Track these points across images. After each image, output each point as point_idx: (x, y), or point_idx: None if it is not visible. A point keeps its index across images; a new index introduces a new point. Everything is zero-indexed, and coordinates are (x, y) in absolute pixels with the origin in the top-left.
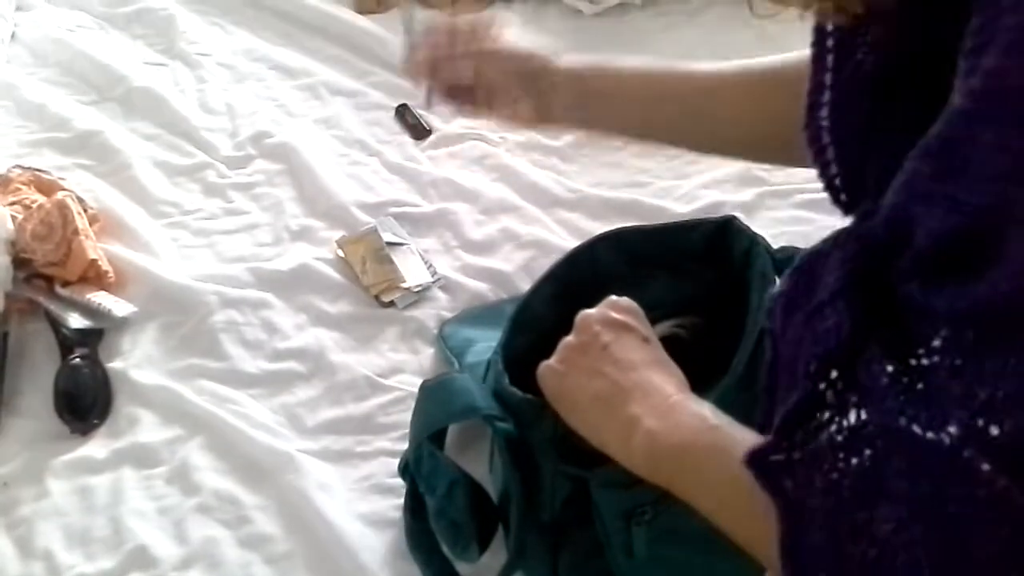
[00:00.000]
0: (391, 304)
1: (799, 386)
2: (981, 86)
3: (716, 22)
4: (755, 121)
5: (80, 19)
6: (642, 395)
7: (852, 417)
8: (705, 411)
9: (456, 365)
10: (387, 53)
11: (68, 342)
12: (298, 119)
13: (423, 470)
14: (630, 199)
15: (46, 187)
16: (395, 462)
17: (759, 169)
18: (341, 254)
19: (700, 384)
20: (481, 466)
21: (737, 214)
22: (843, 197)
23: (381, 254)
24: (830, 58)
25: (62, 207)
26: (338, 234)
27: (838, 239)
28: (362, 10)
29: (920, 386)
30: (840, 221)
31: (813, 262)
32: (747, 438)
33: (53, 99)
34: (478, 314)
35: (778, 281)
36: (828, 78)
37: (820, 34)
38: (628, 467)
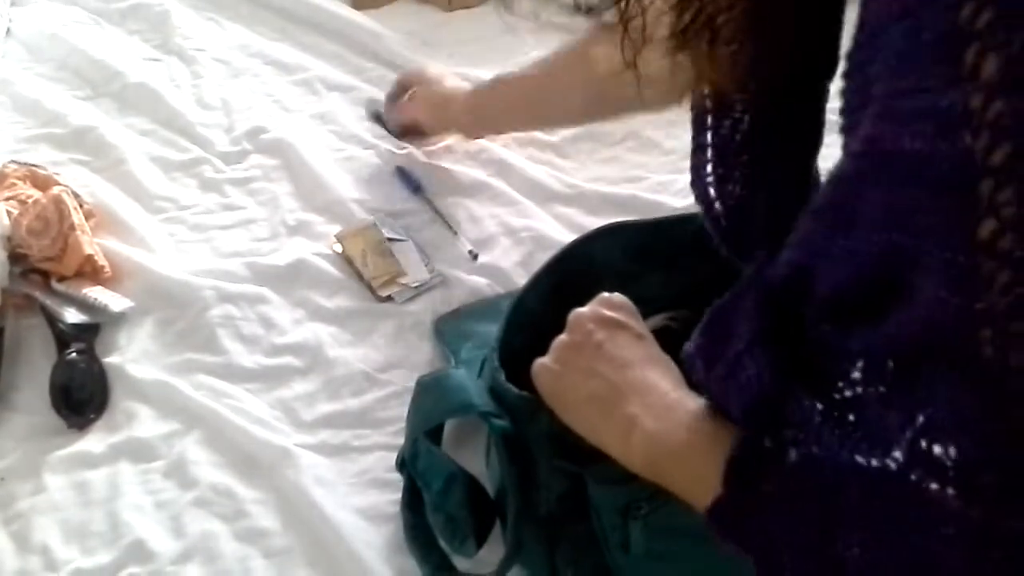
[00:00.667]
0: (389, 299)
1: (736, 435)
2: (860, 149)
3: None
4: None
5: (75, 14)
6: (638, 394)
7: (793, 455)
8: (702, 408)
9: (453, 361)
10: (383, 48)
11: (64, 337)
12: (294, 114)
13: (420, 466)
14: (627, 194)
15: (42, 182)
16: (393, 456)
17: None
18: (339, 248)
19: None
20: (478, 462)
21: None
22: (733, 247)
23: (382, 247)
24: (709, 119)
25: (58, 202)
26: (335, 229)
27: (741, 292)
28: (358, 5)
29: (851, 417)
30: None
31: (721, 315)
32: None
33: (48, 95)
34: (475, 309)
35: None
36: (709, 137)
37: (699, 97)
38: (627, 467)
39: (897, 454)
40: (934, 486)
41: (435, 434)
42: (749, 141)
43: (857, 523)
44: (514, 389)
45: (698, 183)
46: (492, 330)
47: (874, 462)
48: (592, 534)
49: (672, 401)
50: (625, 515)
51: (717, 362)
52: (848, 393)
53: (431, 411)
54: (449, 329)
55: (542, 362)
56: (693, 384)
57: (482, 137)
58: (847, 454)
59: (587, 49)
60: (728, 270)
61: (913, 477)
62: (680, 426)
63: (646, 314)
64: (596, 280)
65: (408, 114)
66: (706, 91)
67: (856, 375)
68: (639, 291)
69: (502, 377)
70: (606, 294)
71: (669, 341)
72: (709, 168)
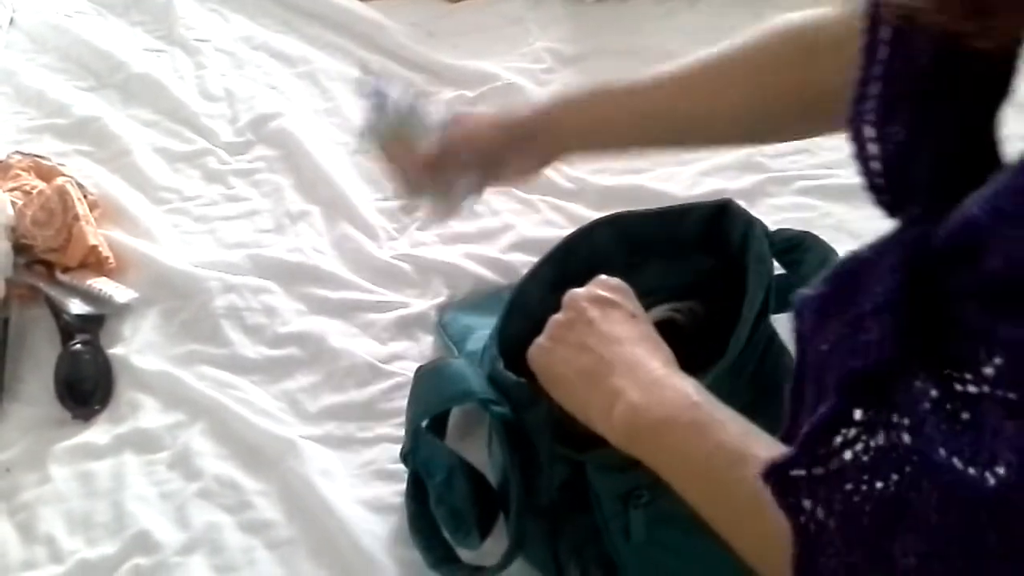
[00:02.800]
0: None
1: (828, 399)
2: None
3: (716, 8)
4: (737, 107)
5: (79, 5)
6: (626, 368)
7: (881, 438)
8: (689, 387)
9: (456, 352)
10: (386, 40)
11: (69, 328)
12: (298, 105)
13: (421, 457)
14: (631, 187)
15: (46, 173)
16: (397, 448)
17: (760, 155)
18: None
19: (695, 369)
20: (482, 453)
21: (740, 201)
22: (885, 198)
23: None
24: (883, 49)
25: (62, 193)
26: (338, 222)
27: (886, 245)
28: None
29: (966, 415)
30: (848, 213)
31: (856, 266)
32: (728, 418)
33: (52, 85)
34: (477, 301)
35: (776, 265)
36: (878, 70)
37: (873, 23)
38: (610, 440)
39: (1001, 470)
40: None
41: (439, 426)
42: (927, 75)
43: (925, 530)
44: (512, 376)
45: (855, 119)
46: (492, 322)
47: (972, 471)
48: (594, 524)
49: (659, 376)
50: (626, 503)
51: (834, 317)
52: (972, 388)
53: (430, 400)
54: (452, 321)
55: (536, 341)
56: (686, 367)
57: (560, 161)
58: (944, 453)
59: (777, 46)
60: (730, 262)
61: (1013, 498)
62: (664, 402)
63: (646, 304)
64: (596, 271)
65: (457, 131)
66: (886, 16)
67: (988, 371)
68: (639, 281)
69: (500, 365)
70: (602, 276)
71: (672, 333)
72: (871, 106)
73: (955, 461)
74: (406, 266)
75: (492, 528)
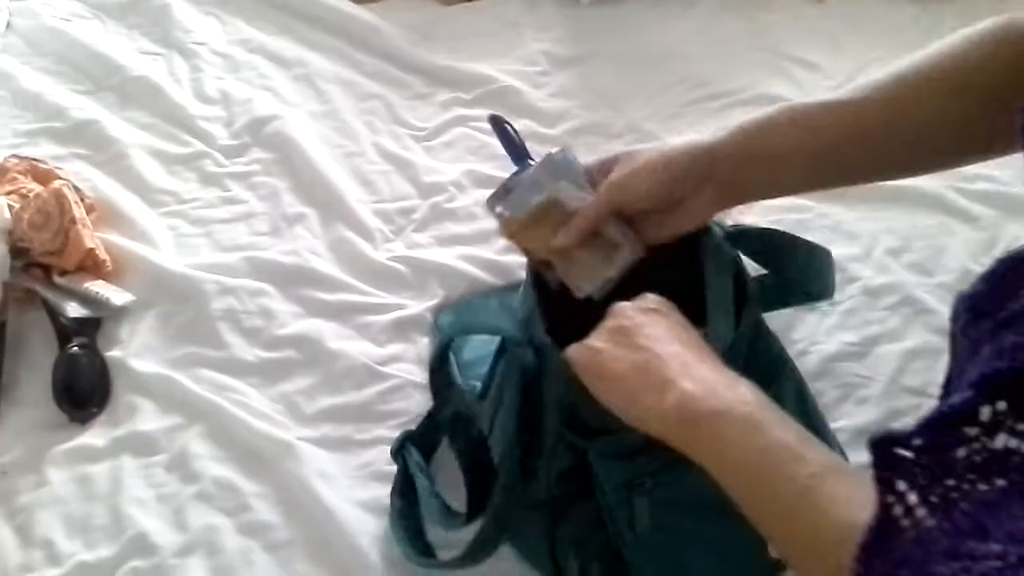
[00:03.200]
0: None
1: (960, 392)
2: None
3: (711, 11)
4: (930, 126)
5: (75, 8)
6: (680, 364)
7: (1000, 442)
8: (744, 386)
9: (454, 360)
10: (382, 42)
11: (66, 331)
12: (294, 108)
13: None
14: None
15: (42, 176)
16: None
17: None
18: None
19: None
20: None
21: None
22: None
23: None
24: None
25: (59, 196)
26: (335, 224)
27: None
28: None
29: None
30: (843, 214)
31: (1013, 267)
32: (784, 419)
33: (49, 89)
34: (473, 305)
35: (754, 264)
36: None
37: None
38: (659, 430)
39: None
40: None
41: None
42: None
43: (1021, 536)
44: (546, 337)
45: None
46: (491, 326)
47: None
48: (596, 515)
49: (713, 373)
50: (630, 490)
51: (987, 317)
52: None
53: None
54: (448, 325)
55: (580, 343)
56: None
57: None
58: None
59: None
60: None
61: None
62: (719, 393)
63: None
64: None
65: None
66: None
67: None
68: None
69: (539, 327)
70: (648, 295)
71: None
72: None
73: None
74: (403, 268)
75: (480, 511)
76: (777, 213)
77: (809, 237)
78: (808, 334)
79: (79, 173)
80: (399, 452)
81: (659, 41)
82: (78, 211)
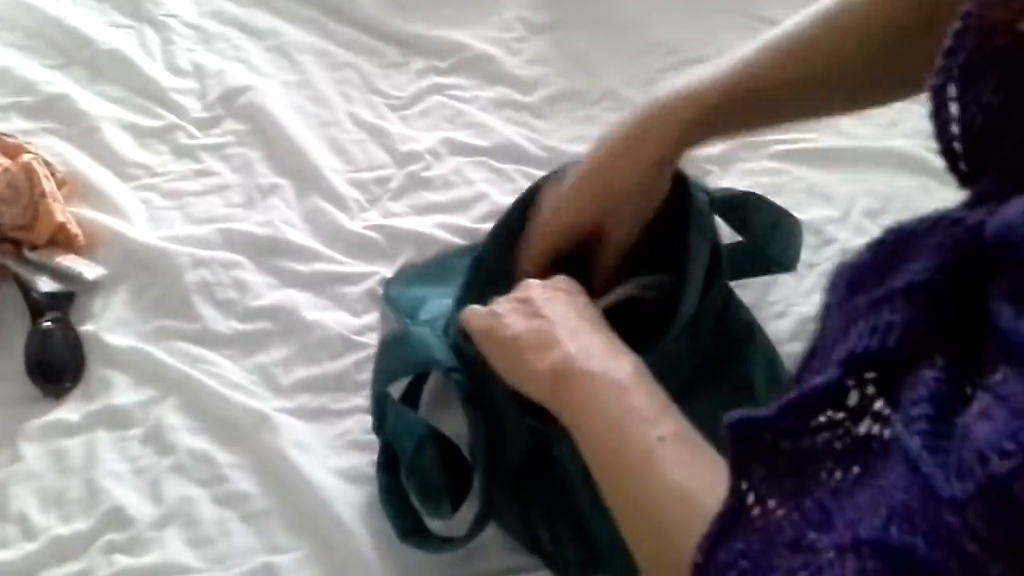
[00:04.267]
0: None
1: (826, 373)
2: None
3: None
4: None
5: None
6: (569, 330)
7: (863, 428)
8: (626, 358)
9: (408, 325)
10: (356, 11)
11: (38, 306)
12: (267, 79)
13: (389, 427)
14: None
15: (11, 150)
16: (372, 418)
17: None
18: None
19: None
20: (457, 424)
21: (711, 167)
22: (962, 166)
23: None
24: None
25: (28, 170)
26: (310, 194)
27: (940, 221)
28: None
29: (961, 418)
30: (820, 177)
31: (899, 240)
32: (657, 392)
33: (18, 63)
34: (423, 271)
35: (724, 226)
36: (975, 22)
37: None
38: (533, 390)
39: (968, 486)
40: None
41: (413, 396)
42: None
43: (860, 518)
44: (473, 347)
45: (941, 74)
46: (446, 291)
47: (943, 480)
48: (560, 487)
49: (600, 342)
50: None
51: (864, 290)
52: (970, 392)
53: (393, 367)
54: (400, 295)
55: (476, 308)
56: (652, 340)
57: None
58: (919, 451)
59: None
60: (674, 219)
61: (968, 517)
62: (598, 356)
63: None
64: None
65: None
66: None
67: (998, 376)
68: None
69: (462, 337)
70: (558, 276)
71: (638, 308)
72: (961, 58)
73: (926, 459)
74: (378, 237)
75: (465, 498)
76: (754, 176)
77: (786, 200)
78: (785, 296)
79: (50, 148)
80: (380, 425)
81: (636, 6)
82: (48, 185)
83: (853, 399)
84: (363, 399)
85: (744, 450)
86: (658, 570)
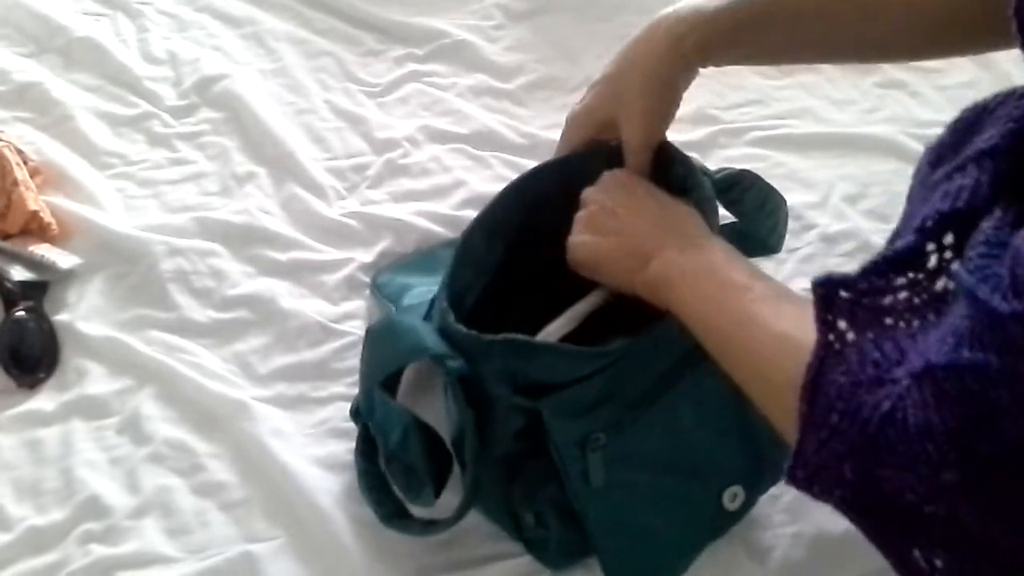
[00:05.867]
0: None
1: (905, 237)
2: None
3: None
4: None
5: None
6: (661, 233)
7: (940, 285)
8: (717, 244)
9: (394, 309)
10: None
11: (12, 295)
12: (243, 67)
13: (376, 417)
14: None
15: None
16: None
17: (712, 108)
18: None
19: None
20: (434, 410)
21: (691, 153)
22: None
23: None
24: None
25: (0, 158)
26: (286, 182)
27: (1011, 95)
28: None
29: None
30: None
31: (974, 116)
32: (736, 264)
33: None
34: (412, 261)
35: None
36: None
37: None
38: (648, 295)
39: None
40: None
41: (391, 385)
42: None
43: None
44: (463, 329)
45: None
46: (432, 280)
47: (998, 301)
48: (546, 469)
49: (683, 236)
50: (583, 447)
51: (944, 163)
52: None
53: (384, 358)
54: (387, 282)
55: (574, 238)
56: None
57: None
58: (974, 281)
59: None
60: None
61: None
62: (693, 256)
63: None
64: (538, 215)
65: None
66: None
67: None
68: None
69: (451, 318)
70: (612, 171)
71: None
72: None
73: (980, 293)
74: (356, 225)
75: (445, 485)
76: (734, 162)
77: None
78: None
79: (23, 136)
80: (358, 413)
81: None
82: (20, 173)
83: (932, 261)
84: (342, 387)
85: (829, 306)
86: (775, 410)
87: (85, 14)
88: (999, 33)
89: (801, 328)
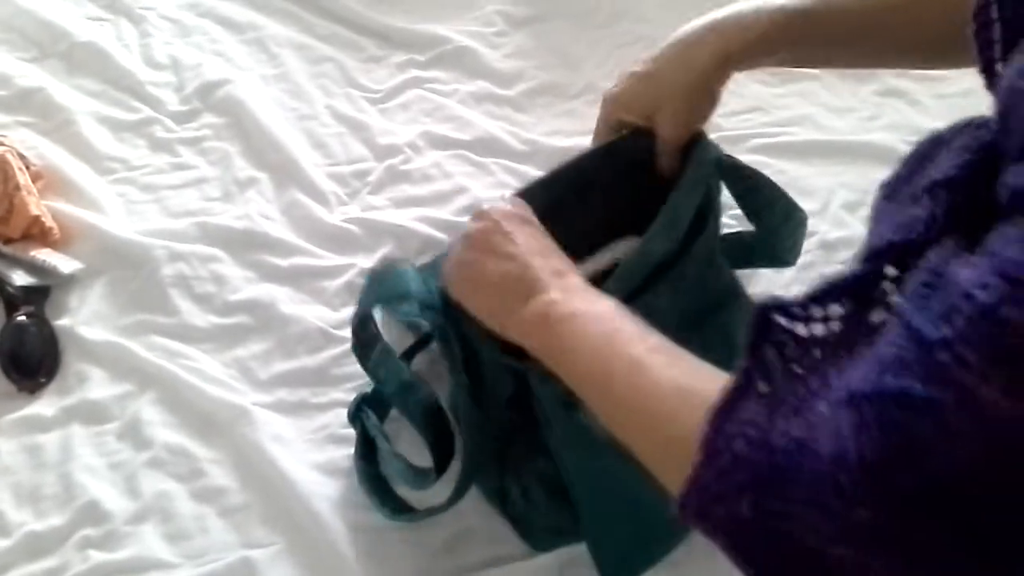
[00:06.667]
0: None
1: (856, 266)
2: None
3: None
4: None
5: None
6: (550, 275)
7: (876, 317)
8: (608, 300)
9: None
10: (335, 5)
11: (13, 300)
12: (245, 72)
13: (373, 361)
14: (585, 146)
15: None
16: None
17: (713, 116)
18: None
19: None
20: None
21: None
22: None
23: None
24: None
25: (2, 163)
26: (288, 188)
27: (967, 126)
28: None
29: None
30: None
31: (929, 146)
32: (633, 320)
33: None
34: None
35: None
36: None
37: None
38: (520, 336)
39: (955, 326)
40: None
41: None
42: None
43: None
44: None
45: None
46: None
47: (922, 324)
48: (536, 442)
49: (581, 284)
50: (568, 408)
51: (899, 194)
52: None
53: (375, 293)
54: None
55: (452, 254)
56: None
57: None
58: (909, 308)
59: None
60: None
61: (957, 350)
62: (581, 298)
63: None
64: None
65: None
66: None
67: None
68: (587, 217)
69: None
70: (508, 195)
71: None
72: None
73: (912, 319)
74: (357, 230)
75: (449, 464)
76: None
77: None
78: (765, 288)
79: (25, 141)
80: (356, 415)
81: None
82: (23, 178)
83: (871, 290)
84: (342, 393)
85: (760, 331)
86: (665, 463)
87: (88, 19)
88: None
89: (700, 379)
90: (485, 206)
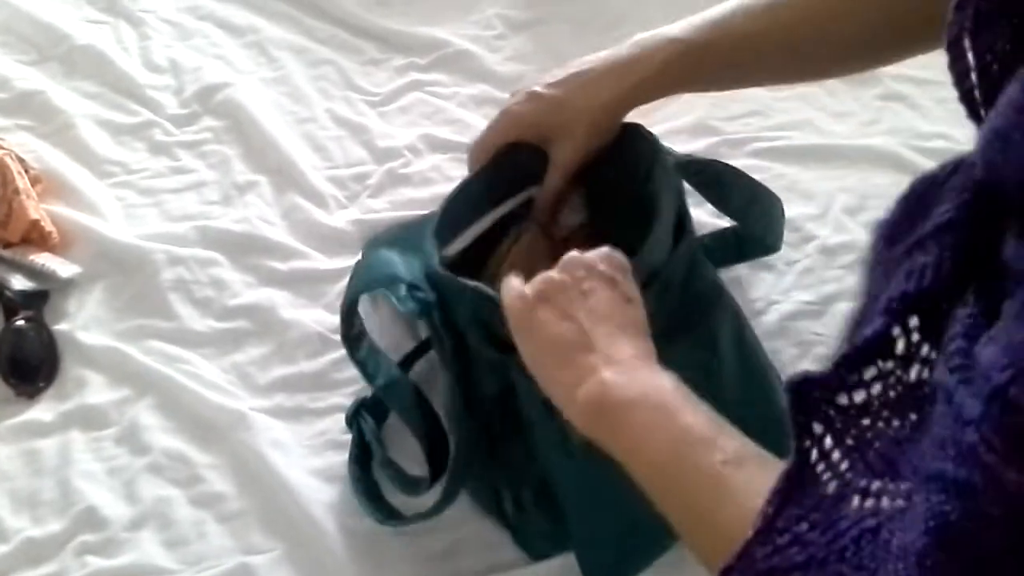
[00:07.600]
0: None
1: (872, 323)
2: None
3: None
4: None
5: None
6: (605, 347)
7: (914, 373)
8: (665, 377)
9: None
10: (334, 7)
11: (12, 304)
12: (245, 76)
13: (362, 355)
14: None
15: None
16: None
17: (713, 119)
18: None
19: None
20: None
21: None
22: (983, 112)
23: None
24: None
25: (1, 166)
26: (287, 191)
27: (960, 165)
28: None
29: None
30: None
31: (925, 189)
32: (701, 408)
33: None
34: (396, 235)
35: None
36: None
37: None
38: (570, 415)
39: (979, 403)
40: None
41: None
42: None
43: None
44: (442, 270)
45: (954, 25)
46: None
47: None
48: (525, 448)
49: (637, 364)
50: (549, 406)
51: (900, 241)
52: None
53: (361, 280)
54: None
55: (519, 288)
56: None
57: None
58: (953, 382)
59: None
60: (636, 180)
61: (983, 433)
62: (637, 381)
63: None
64: (520, 184)
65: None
66: None
67: (1005, 306)
68: None
69: (435, 260)
70: (607, 249)
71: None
72: (970, 12)
73: (959, 388)
74: (357, 234)
75: (442, 470)
76: None
77: None
78: (765, 293)
79: (24, 144)
80: (354, 419)
81: (616, 2)
82: (22, 182)
83: (900, 346)
84: (341, 398)
85: (803, 410)
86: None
87: (87, 22)
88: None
89: None
90: (579, 255)
